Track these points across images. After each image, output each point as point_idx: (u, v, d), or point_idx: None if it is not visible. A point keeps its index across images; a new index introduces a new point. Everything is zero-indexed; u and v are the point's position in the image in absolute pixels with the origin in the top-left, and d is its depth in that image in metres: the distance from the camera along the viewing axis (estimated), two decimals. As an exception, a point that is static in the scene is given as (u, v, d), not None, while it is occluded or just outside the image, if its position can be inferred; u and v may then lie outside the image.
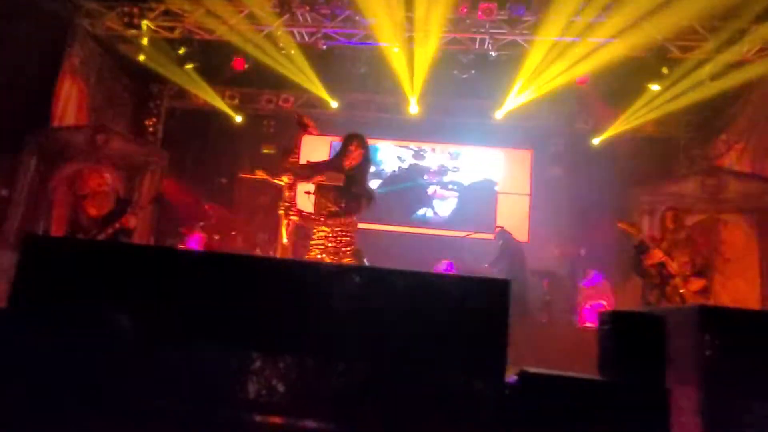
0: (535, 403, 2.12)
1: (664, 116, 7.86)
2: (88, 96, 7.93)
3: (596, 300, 6.85)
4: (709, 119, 8.21)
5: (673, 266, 4.42)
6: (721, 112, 7.84)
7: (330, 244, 3.88)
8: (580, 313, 6.85)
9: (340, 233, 3.90)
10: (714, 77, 7.05)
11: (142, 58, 7.63)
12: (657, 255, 4.45)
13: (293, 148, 4.48)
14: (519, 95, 7.99)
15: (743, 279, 6.68)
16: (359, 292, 2.22)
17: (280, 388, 2.16)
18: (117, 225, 4.38)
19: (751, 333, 2.26)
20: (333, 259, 3.89)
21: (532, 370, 2.26)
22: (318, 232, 3.94)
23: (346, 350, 2.15)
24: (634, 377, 2.06)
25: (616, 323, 2.21)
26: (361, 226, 4.13)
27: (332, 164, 4.10)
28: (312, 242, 3.96)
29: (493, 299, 2.18)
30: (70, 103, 7.64)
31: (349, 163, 4.01)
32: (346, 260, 3.93)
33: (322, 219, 3.92)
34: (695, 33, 6.98)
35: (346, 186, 3.92)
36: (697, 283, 4.38)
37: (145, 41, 7.50)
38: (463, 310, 2.17)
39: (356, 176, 3.99)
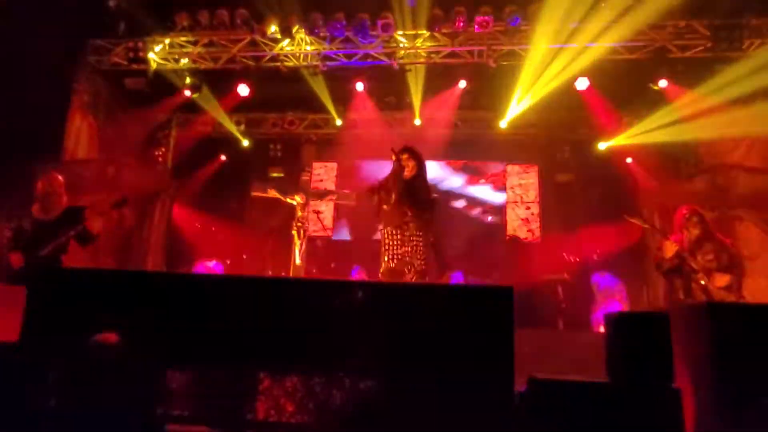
0: (546, 409, 2.10)
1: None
2: (98, 130, 8.11)
3: (610, 304, 6.73)
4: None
5: (694, 261, 4.28)
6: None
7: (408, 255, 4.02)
8: (594, 319, 6.74)
9: (409, 240, 4.04)
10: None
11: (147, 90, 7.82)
12: (670, 247, 4.33)
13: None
14: (520, 104, 8.00)
15: (764, 277, 6.51)
16: (362, 306, 2.24)
17: (289, 407, 2.17)
18: (78, 229, 4.07)
19: (761, 328, 2.22)
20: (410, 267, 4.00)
21: (541, 376, 2.24)
22: (393, 242, 4.05)
23: (351, 366, 2.16)
24: (642, 378, 2.03)
25: (621, 325, 2.19)
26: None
27: (394, 177, 4.23)
28: (391, 253, 4.05)
29: (497, 306, 2.18)
30: (81, 138, 7.82)
31: (408, 173, 4.18)
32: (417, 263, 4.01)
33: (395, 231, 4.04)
34: (694, 32, 6.97)
35: (409, 195, 4.09)
36: (722, 279, 4.22)
37: (150, 73, 7.69)
38: (467, 319, 2.17)
39: (416, 185, 4.17)
